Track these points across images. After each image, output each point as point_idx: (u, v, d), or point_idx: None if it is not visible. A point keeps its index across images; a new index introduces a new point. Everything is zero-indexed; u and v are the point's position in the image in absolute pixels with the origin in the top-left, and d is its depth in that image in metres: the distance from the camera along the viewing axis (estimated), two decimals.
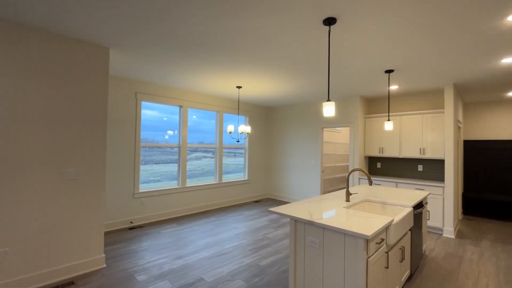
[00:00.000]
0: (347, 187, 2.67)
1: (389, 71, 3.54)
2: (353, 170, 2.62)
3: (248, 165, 6.53)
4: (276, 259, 3.16)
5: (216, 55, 3.11)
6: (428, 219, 4.04)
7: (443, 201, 4.21)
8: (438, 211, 4.26)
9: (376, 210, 2.77)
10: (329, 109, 2.14)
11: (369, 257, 1.73)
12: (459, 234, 4.26)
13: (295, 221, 2.09)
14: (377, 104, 5.61)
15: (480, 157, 5.63)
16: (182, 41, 2.73)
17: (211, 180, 5.78)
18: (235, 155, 6.45)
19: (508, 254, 3.48)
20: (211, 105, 5.64)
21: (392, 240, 2.01)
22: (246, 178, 6.48)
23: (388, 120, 3.54)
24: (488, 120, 5.57)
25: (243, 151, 6.56)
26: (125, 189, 4.31)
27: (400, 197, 2.90)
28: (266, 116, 7.07)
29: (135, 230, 4.16)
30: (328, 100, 2.16)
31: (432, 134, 4.58)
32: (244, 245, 3.60)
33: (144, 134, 4.72)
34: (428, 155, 4.61)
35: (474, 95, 4.98)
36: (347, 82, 4.24)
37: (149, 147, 4.87)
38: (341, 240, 1.80)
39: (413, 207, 2.64)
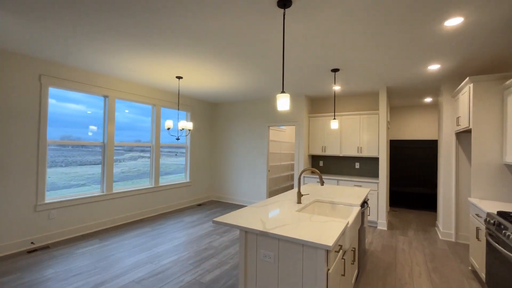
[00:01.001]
0: (299, 188, 2.50)
1: (335, 70, 3.56)
2: (305, 170, 2.46)
3: (191, 166, 5.97)
4: (222, 273, 2.80)
5: (151, 35, 2.56)
6: (369, 215, 4.29)
7: (378, 196, 4.53)
8: (373, 205, 4.56)
9: (326, 210, 2.68)
10: (283, 102, 1.90)
11: (329, 269, 1.53)
12: (390, 226, 4.65)
13: (246, 232, 1.77)
14: (321, 104, 5.79)
15: (401, 155, 6.37)
16: (105, 6, 2.12)
17: (146, 184, 5.03)
18: (176, 154, 5.80)
19: (429, 241, 3.90)
20: (146, 98, 4.89)
21: (347, 244, 1.89)
22: (188, 180, 5.91)
23: (334, 119, 3.57)
24: (408, 122, 6.35)
25: (184, 150, 5.96)
26: (22, 200, 3.30)
27: (347, 196, 2.89)
28: (210, 112, 6.61)
29: (37, 253, 3.21)
30: (283, 92, 1.91)
31: (368, 133, 4.91)
32: (185, 259, 3.12)
33: (68, 131, 3.78)
34: (365, 153, 4.92)
35: (399, 99, 5.56)
36: (295, 80, 4.17)
37: (72, 146, 3.91)
38: (299, 252, 1.56)
39: (360, 206, 2.63)
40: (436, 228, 4.49)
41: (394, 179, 6.46)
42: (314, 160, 5.79)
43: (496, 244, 1.96)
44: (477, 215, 2.67)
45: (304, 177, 5.28)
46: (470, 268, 3.01)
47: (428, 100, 5.50)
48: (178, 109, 4.25)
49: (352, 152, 5.04)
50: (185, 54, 3.14)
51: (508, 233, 1.78)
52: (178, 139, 4.09)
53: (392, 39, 2.58)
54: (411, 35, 2.48)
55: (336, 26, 2.33)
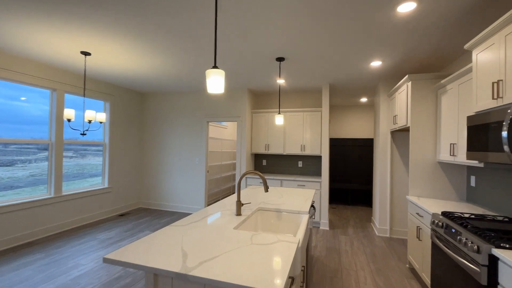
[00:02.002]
0: (238, 196, 2.00)
1: (280, 59, 3.19)
2: (246, 174, 1.97)
3: (110, 167, 4.88)
4: None
5: None
6: (314, 218, 4.11)
7: (321, 196, 4.41)
8: (316, 205, 4.42)
9: (271, 220, 2.25)
10: (215, 81, 1.35)
11: None
12: (331, 225, 4.60)
13: (155, 275, 1.17)
14: (265, 99, 5.44)
15: (339, 153, 6.56)
16: None
17: (41, 193, 3.81)
18: (88, 154, 4.65)
19: (368, 239, 3.92)
20: (41, 79, 3.68)
21: (298, 268, 1.47)
22: (106, 185, 4.81)
23: (279, 113, 3.19)
24: (347, 121, 6.57)
25: (102, 148, 4.83)
26: None
27: (293, 200, 2.53)
28: (138, 104, 5.58)
29: None
30: (215, 66, 1.36)
31: (311, 131, 4.76)
32: None
33: None
34: (308, 151, 4.77)
35: (339, 98, 5.64)
36: (237, 71, 3.66)
37: None
38: None
39: (308, 212, 2.29)
40: (372, 224, 4.62)
41: (333, 176, 6.63)
42: (257, 159, 5.42)
43: (447, 249, 1.83)
44: (417, 214, 2.63)
45: (247, 177, 4.84)
46: (408, 266, 3.02)
47: (364, 100, 5.72)
48: (84, 95, 3.24)
49: (296, 151, 4.84)
50: (90, 23, 2.28)
51: (463, 239, 1.63)
52: (84, 134, 3.12)
53: (341, 27, 2.30)
54: (362, 22, 2.24)
55: (279, 12, 1.90)
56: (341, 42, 2.69)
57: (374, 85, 4.44)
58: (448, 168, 2.88)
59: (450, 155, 2.52)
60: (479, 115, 1.89)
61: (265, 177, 4.70)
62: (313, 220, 4.44)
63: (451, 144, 2.52)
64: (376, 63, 3.30)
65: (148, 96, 5.64)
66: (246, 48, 2.90)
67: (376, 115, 4.57)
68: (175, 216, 4.97)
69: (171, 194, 5.42)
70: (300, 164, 5.12)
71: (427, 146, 2.94)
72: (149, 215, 4.99)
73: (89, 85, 4.43)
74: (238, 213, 1.98)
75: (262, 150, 5.06)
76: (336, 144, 6.58)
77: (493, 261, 1.42)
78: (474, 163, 2.12)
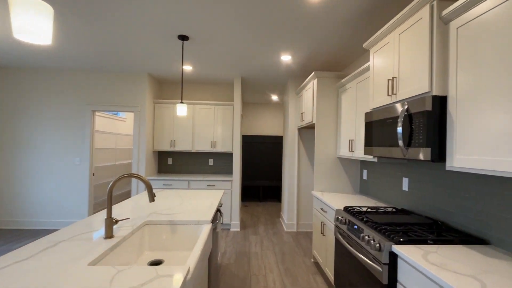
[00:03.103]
0: (109, 211, 1.40)
1: (183, 38, 2.67)
2: (121, 178, 1.41)
3: None
4: None
5: None
6: (222, 222, 3.76)
7: (231, 195, 4.13)
8: (226, 206, 4.12)
9: (163, 236, 1.73)
10: (27, 18, 0.75)
11: None
12: (242, 225, 4.40)
13: None
14: (171, 89, 4.74)
15: (251, 150, 6.53)
16: None
17: None
18: None
19: (277, 236, 3.89)
20: None
21: None
22: None
23: (181, 102, 2.67)
24: (257, 118, 6.59)
25: None
26: None
27: (195, 206, 2.09)
28: None
29: None
30: None
31: (222, 127, 4.42)
32: None
33: None
34: (219, 148, 4.41)
35: (252, 94, 5.54)
36: (133, 50, 2.89)
37: None
38: None
39: (211, 221, 1.90)
40: (281, 219, 4.69)
41: (245, 173, 6.54)
42: (161, 157, 4.68)
43: (349, 246, 1.79)
44: (322, 209, 2.66)
45: (150, 179, 4.05)
46: (312, 260, 3.07)
47: (275, 98, 5.82)
48: None
49: (206, 147, 4.40)
50: None
51: (365, 236, 1.59)
52: None
53: (251, 12, 2.01)
54: (271, 8, 2.01)
55: None
56: (252, 29, 2.42)
57: (284, 82, 4.48)
58: (346, 163, 3.06)
59: (349, 150, 2.64)
60: (375, 111, 1.94)
61: (171, 178, 4.06)
62: (223, 223, 4.12)
63: (350, 140, 2.63)
64: (286, 57, 3.23)
65: (2, 71, 4.01)
66: (139, 19, 2.24)
67: (285, 112, 4.65)
68: (41, 235, 3.69)
69: (38, 205, 4.02)
70: (210, 162, 4.71)
71: (329, 143, 3.05)
72: (1, 238, 3.52)
73: None
74: (108, 235, 1.38)
75: (167, 147, 4.37)
76: (248, 141, 6.51)
77: (394, 259, 1.39)
78: (369, 157, 2.22)
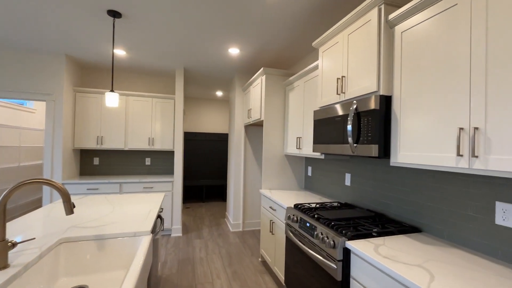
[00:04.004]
0: (2, 232, 1.02)
1: (114, 14, 2.24)
2: (23, 184, 1.04)
3: None
4: None
5: None
6: (163, 230, 3.37)
7: (172, 198, 3.77)
8: (167, 209, 3.74)
9: (85, 257, 1.38)
10: None
11: None
12: (185, 229, 4.08)
13: None
14: (97, 76, 4.03)
15: (194, 148, 6.18)
16: None
17: None
18: None
19: (223, 238, 3.73)
20: None
21: None
22: None
23: (112, 91, 2.24)
24: (202, 115, 6.26)
25: None
26: None
27: (130, 214, 1.76)
28: None
29: None
30: None
31: (162, 122, 4.00)
32: None
33: None
34: (157, 146, 3.97)
35: (196, 88, 5.20)
36: (44, 19, 2.28)
37: None
38: None
39: (151, 231, 1.63)
40: (226, 220, 4.54)
41: (187, 172, 6.14)
42: (85, 157, 3.96)
43: (302, 244, 1.77)
44: (271, 208, 2.62)
45: (69, 183, 3.35)
46: (260, 259, 3.02)
47: (220, 93, 5.61)
48: None
49: (142, 145, 3.90)
50: None
51: (319, 233, 1.58)
52: None
53: None
54: None
55: None
56: (197, 16, 2.18)
57: (230, 77, 4.33)
58: (292, 160, 3.11)
59: (297, 148, 2.67)
60: (324, 109, 1.98)
61: (97, 180, 3.45)
62: (164, 229, 3.73)
63: (297, 137, 2.66)
64: (234, 50, 3.08)
65: None
66: None
67: (231, 109, 4.50)
68: None
69: None
70: (148, 161, 4.22)
71: (277, 140, 3.04)
72: None
73: None
74: (2, 266, 1.00)
75: (92, 145, 3.70)
76: (191, 139, 6.13)
77: (347, 255, 1.40)
78: (316, 155, 2.26)
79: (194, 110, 6.19)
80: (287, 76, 3.05)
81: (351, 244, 1.35)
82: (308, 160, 3.07)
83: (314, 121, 2.13)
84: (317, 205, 2.15)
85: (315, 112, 2.13)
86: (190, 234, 3.83)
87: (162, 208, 2.46)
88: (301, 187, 3.15)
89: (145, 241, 1.38)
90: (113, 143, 3.77)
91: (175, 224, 3.77)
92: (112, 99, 2.19)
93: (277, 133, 3.04)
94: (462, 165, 1.09)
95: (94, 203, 2.11)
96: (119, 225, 1.56)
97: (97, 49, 3.14)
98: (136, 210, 1.90)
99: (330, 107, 1.91)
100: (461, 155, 1.09)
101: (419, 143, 1.30)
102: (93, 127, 3.71)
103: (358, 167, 2.20)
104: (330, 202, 2.24)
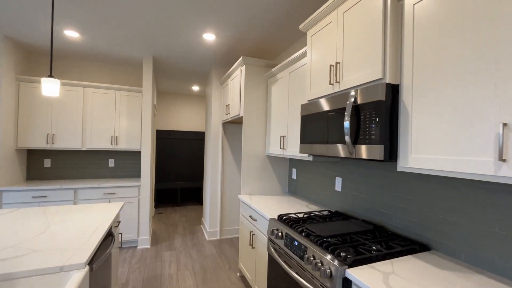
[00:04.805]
0: None
1: None
2: None
3: None
4: None
5: None
6: (121, 246, 2.85)
7: (139, 205, 3.31)
8: (132, 219, 3.27)
9: None
10: None
11: None
12: (154, 239, 3.62)
13: None
14: (48, 63, 3.45)
15: (168, 147, 5.68)
16: None
17: None
18: None
19: (197, 248, 3.33)
20: None
21: None
22: None
23: (50, 76, 1.76)
24: (175, 111, 5.77)
25: None
26: None
27: (67, 234, 1.34)
28: None
29: None
30: None
31: (128, 118, 3.50)
32: None
33: None
34: (122, 145, 3.47)
35: (168, 82, 4.72)
36: None
37: None
38: None
39: (88, 263, 1.22)
40: (202, 226, 4.13)
41: (160, 175, 5.63)
42: (34, 158, 3.37)
43: (287, 267, 1.44)
44: (251, 217, 2.27)
45: (8, 190, 2.77)
46: (239, 274, 2.67)
47: (196, 88, 5.16)
48: None
49: (104, 144, 3.39)
50: None
51: (310, 257, 1.26)
52: None
53: None
54: None
55: None
56: None
57: (207, 70, 3.92)
58: (275, 161, 2.79)
59: (280, 148, 2.35)
60: (314, 103, 1.66)
61: (45, 186, 2.90)
62: (127, 238, 3.26)
63: (281, 136, 2.34)
64: (209, 36, 2.69)
65: None
66: None
67: (208, 105, 4.10)
68: None
69: None
70: (111, 163, 3.70)
71: (258, 139, 2.71)
72: None
73: None
74: None
75: (40, 144, 3.13)
76: (164, 137, 5.63)
77: (347, 285, 1.09)
78: (304, 156, 1.95)
79: (167, 106, 5.69)
80: (270, 67, 2.72)
81: (353, 274, 1.04)
82: (293, 162, 2.77)
83: (302, 117, 1.82)
84: (305, 215, 1.84)
85: (302, 106, 1.81)
86: (160, 245, 3.39)
87: (119, 222, 2.03)
88: (284, 191, 2.84)
89: (75, 280, 0.98)
90: (67, 142, 3.22)
91: (142, 235, 3.31)
92: (49, 87, 1.72)
93: (258, 132, 2.70)
94: (505, 173, 0.81)
95: (25, 219, 1.64)
96: (42, 255, 1.14)
97: (43, 29, 2.61)
98: (78, 228, 1.47)
99: (320, 100, 1.60)
100: (504, 160, 0.82)
101: (438, 144, 1.02)
102: (42, 123, 3.14)
103: (351, 170, 1.92)
104: (320, 211, 1.94)
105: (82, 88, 3.29)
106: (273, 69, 2.51)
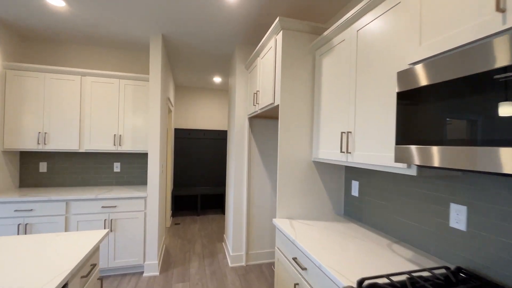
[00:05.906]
0: None
1: None
2: None
3: None
4: None
5: None
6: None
7: (145, 221, 2.63)
8: (137, 239, 2.60)
9: None
10: None
11: None
12: (165, 261, 2.94)
13: None
14: (42, 48, 2.92)
15: (187, 148, 5.03)
16: None
17: None
18: None
19: (216, 278, 2.58)
20: None
21: None
22: None
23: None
24: (196, 107, 5.11)
25: None
26: None
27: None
28: None
29: None
30: None
31: (134, 113, 2.86)
32: None
33: None
34: (127, 146, 2.84)
35: (186, 73, 4.05)
36: None
37: None
38: None
39: None
40: (224, 245, 3.38)
41: (179, 179, 5.00)
42: (28, 161, 2.85)
43: None
44: (295, 260, 1.44)
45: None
46: None
47: (218, 80, 4.44)
48: None
49: (106, 145, 2.77)
50: None
51: None
52: None
53: None
54: None
55: None
56: None
57: (229, 51, 3.16)
58: (324, 170, 1.93)
59: (341, 151, 1.49)
60: (431, 64, 0.80)
61: (32, 198, 2.33)
62: (131, 263, 2.60)
63: (342, 133, 1.49)
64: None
65: None
66: None
67: (231, 96, 3.34)
68: None
69: None
70: (117, 167, 3.09)
71: (302, 138, 1.87)
72: None
73: None
74: None
75: (31, 145, 2.58)
76: (182, 137, 4.99)
77: None
78: (401, 168, 1.09)
79: (187, 102, 5.05)
80: (318, 33, 1.88)
81: None
82: (353, 171, 1.90)
83: (400, 94, 0.96)
84: (409, 279, 0.97)
85: (399, 75, 0.95)
86: (171, 272, 2.69)
87: (94, 264, 1.31)
88: (338, 213, 1.98)
89: None
90: (61, 142, 2.64)
91: (149, 259, 2.63)
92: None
93: (301, 127, 1.87)
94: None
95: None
96: None
97: (38, 9, 2.01)
98: (32, 274, 0.75)
99: (451, 55, 0.73)
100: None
101: None
102: (33, 119, 2.59)
103: (491, 194, 1.01)
104: (430, 270, 1.06)
105: (80, 77, 2.69)
106: (325, 33, 1.66)
